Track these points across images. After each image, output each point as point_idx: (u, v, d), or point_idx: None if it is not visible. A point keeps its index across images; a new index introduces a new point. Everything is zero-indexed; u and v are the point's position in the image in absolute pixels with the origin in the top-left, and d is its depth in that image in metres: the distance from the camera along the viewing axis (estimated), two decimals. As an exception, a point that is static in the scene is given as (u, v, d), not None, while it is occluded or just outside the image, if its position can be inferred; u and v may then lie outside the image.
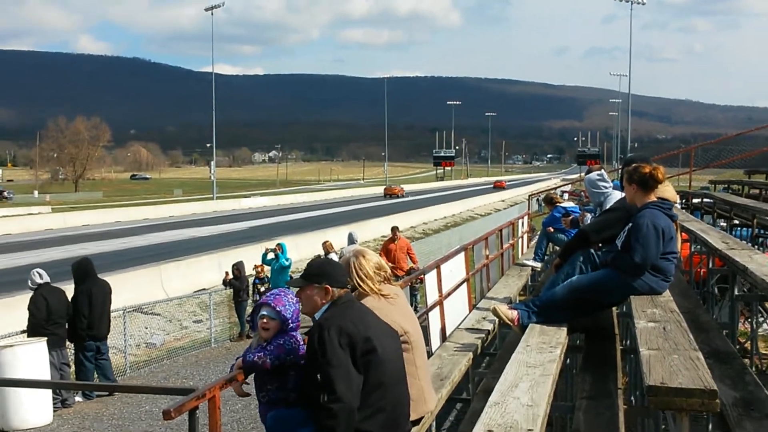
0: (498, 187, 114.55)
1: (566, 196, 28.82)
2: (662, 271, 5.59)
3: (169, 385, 13.41)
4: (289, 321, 4.44)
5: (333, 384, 3.82)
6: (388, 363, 4.05)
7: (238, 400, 4.72)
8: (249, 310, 17.54)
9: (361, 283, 4.54)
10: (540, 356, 4.85)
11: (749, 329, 10.52)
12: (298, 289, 4.33)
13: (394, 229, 19.15)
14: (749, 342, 9.83)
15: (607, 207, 6.99)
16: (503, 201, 79.03)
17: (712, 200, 17.45)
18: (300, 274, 4.35)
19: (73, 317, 12.53)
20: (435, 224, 49.31)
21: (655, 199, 5.64)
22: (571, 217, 9.57)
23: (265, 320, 4.45)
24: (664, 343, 4.28)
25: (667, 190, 5.98)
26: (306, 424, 4.12)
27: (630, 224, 5.56)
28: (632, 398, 7.76)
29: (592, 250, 6.44)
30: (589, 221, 8.01)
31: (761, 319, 12.91)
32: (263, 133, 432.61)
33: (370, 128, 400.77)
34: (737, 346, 6.87)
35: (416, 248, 21.18)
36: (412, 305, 11.43)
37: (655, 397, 3.44)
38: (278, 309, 4.43)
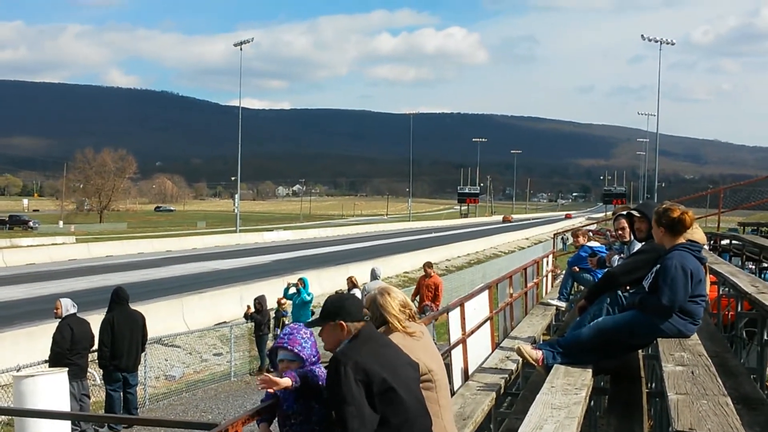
0: (568, 218, 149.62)
1: (591, 235, 28.63)
2: (690, 314, 5.50)
3: (189, 419, 13.37)
4: (311, 357, 4.40)
5: (346, 422, 3.78)
6: (409, 397, 3.98)
7: (258, 436, 4.64)
8: (270, 344, 17.49)
9: (386, 321, 4.50)
10: (565, 398, 4.78)
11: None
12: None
13: (425, 266, 18.32)
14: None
15: (635, 248, 6.92)
16: (527, 239, 78.70)
17: (740, 242, 17.24)
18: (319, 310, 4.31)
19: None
20: (458, 261, 49.16)
21: (684, 241, 5.57)
22: (597, 257, 9.49)
23: (284, 363, 4.40)
24: (692, 388, 4.20)
25: (696, 233, 5.90)
26: None
27: (658, 265, 5.49)
28: (658, 443, 7.62)
29: (620, 292, 6.37)
30: (616, 260, 7.93)
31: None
32: (288, 167, 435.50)
33: (394, 164, 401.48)
34: (766, 392, 6.73)
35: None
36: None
37: (684, 444, 3.38)
38: (296, 350, 4.37)
